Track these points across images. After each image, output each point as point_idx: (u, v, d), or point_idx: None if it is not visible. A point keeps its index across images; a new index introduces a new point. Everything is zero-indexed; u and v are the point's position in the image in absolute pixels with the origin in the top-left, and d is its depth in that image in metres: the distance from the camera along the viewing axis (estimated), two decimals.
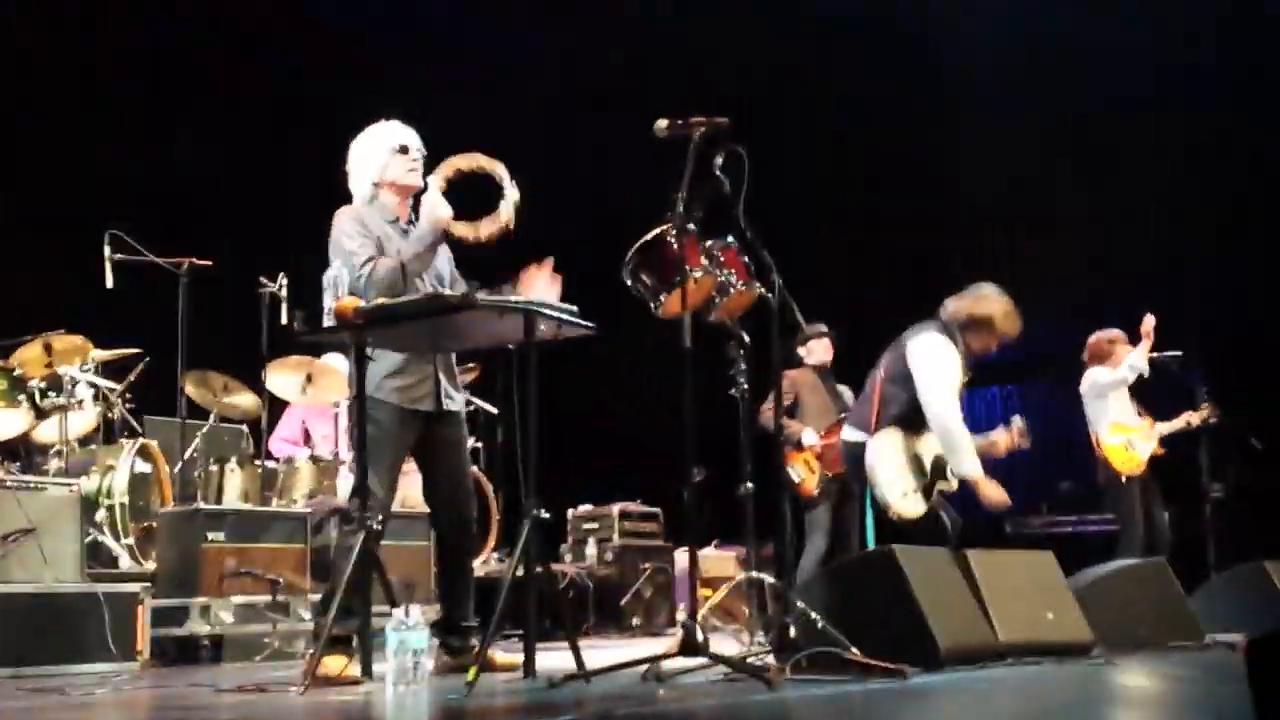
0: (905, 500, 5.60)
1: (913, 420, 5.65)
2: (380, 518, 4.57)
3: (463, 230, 4.72)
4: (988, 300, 5.94)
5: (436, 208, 4.64)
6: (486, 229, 4.72)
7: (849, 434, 5.88)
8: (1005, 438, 6.18)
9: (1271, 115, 10.96)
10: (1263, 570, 6.92)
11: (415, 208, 4.91)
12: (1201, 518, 8.52)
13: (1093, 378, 8.04)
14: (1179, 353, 8.17)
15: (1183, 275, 11.42)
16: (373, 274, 4.57)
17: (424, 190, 4.76)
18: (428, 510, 5.18)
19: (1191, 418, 8.03)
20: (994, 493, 5.63)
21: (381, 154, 4.88)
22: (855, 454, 5.75)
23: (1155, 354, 8.08)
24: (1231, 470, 8.83)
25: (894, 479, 5.60)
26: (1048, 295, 11.97)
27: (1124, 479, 7.81)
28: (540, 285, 4.65)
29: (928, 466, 5.70)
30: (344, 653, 4.43)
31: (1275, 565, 6.99)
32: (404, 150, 4.89)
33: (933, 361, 5.65)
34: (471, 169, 4.73)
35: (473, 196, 4.82)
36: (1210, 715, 3.15)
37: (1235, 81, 11.12)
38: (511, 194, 4.71)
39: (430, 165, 4.87)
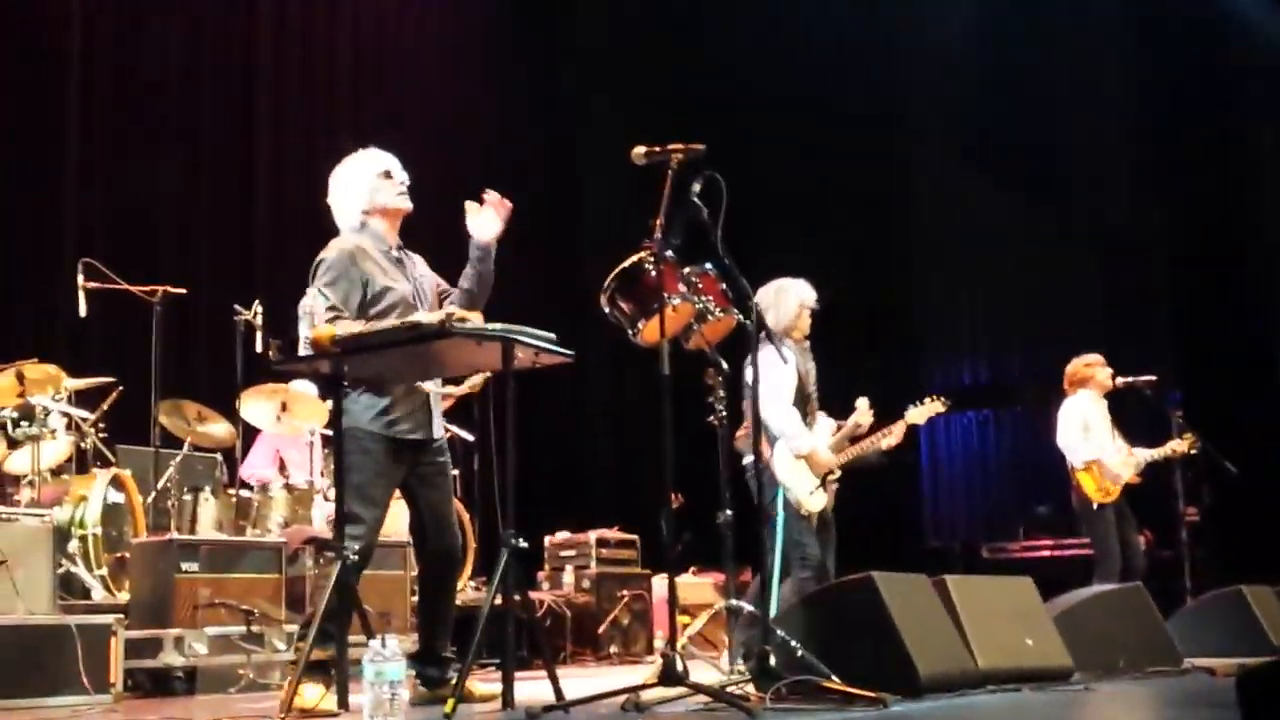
0: (812, 497, 6.19)
1: None
2: (359, 548, 4.53)
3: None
4: (783, 295, 6.25)
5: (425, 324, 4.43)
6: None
7: (747, 459, 6.21)
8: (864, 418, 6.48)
9: (1231, 139, 11.15)
10: (1241, 596, 6.94)
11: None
12: (1177, 542, 8.55)
13: (1072, 405, 8.05)
14: (1153, 378, 8.20)
15: (1153, 301, 11.54)
16: (330, 323, 4.45)
17: (410, 212, 4.84)
18: (406, 540, 5.13)
19: (1177, 446, 8.02)
20: (827, 458, 6.25)
21: (368, 181, 4.84)
22: (756, 473, 5.98)
23: (1129, 379, 8.12)
24: (1206, 495, 8.87)
25: (800, 480, 6.16)
26: (1019, 325, 12.09)
27: (1097, 505, 7.82)
28: (488, 219, 4.76)
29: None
30: (322, 681, 4.37)
31: (1253, 591, 7.02)
32: (388, 175, 4.86)
33: (764, 374, 5.82)
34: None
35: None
36: None
37: (1197, 109, 11.30)
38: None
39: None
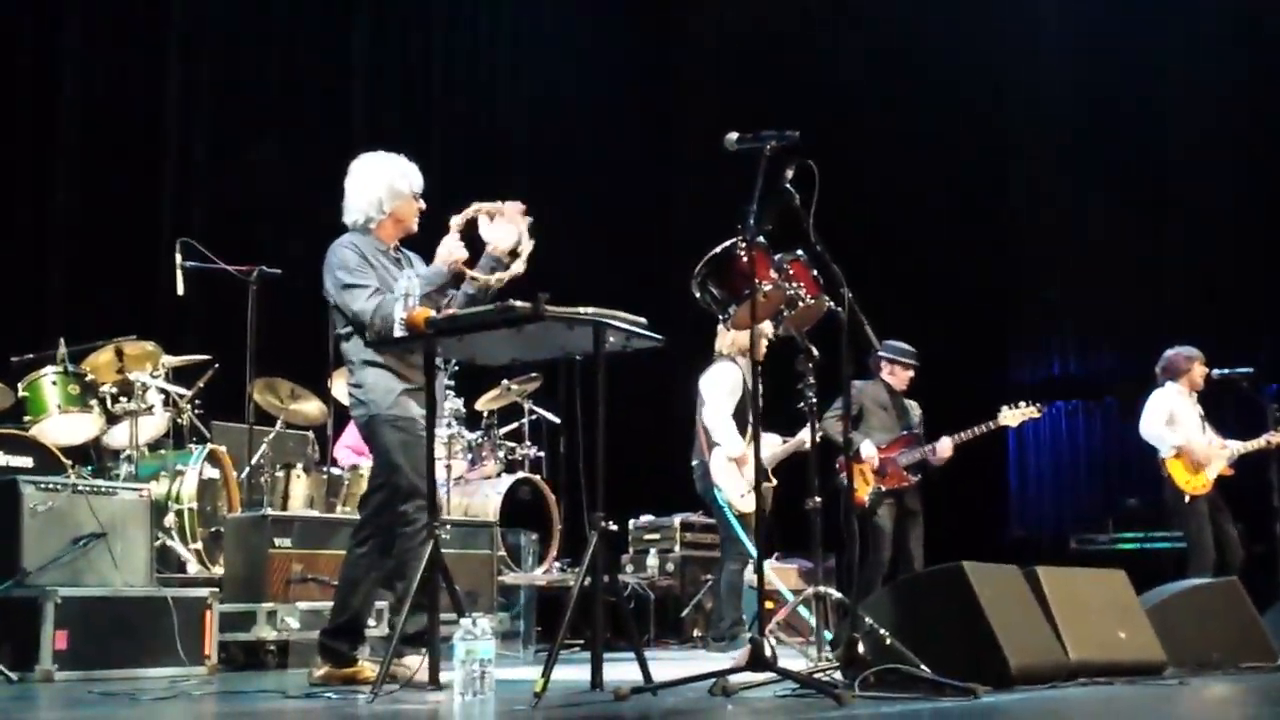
0: (744, 499, 6.84)
1: None
2: (426, 520, 4.58)
3: (475, 274, 4.70)
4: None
5: (454, 250, 4.69)
6: (499, 274, 4.67)
7: (695, 461, 7.12)
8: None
9: None
10: None
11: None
12: (1272, 536, 8.39)
13: (1159, 396, 7.93)
14: (1249, 369, 8.06)
15: (1247, 293, 11.30)
16: (379, 309, 4.61)
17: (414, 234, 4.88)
18: (494, 520, 5.17)
19: (1273, 438, 7.87)
20: (744, 462, 6.84)
21: (402, 191, 4.92)
22: (702, 474, 7.06)
23: (1225, 371, 7.98)
24: None
25: (733, 483, 6.89)
26: (1112, 316, 11.90)
27: (1189, 498, 7.70)
28: (504, 229, 4.70)
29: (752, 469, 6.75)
30: (417, 651, 4.45)
31: None
32: (418, 197, 4.96)
33: (710, 387, 7.07)
34: (493, 214, 4.73)
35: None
36: None
37: None
38: (526, 245, 4.69)
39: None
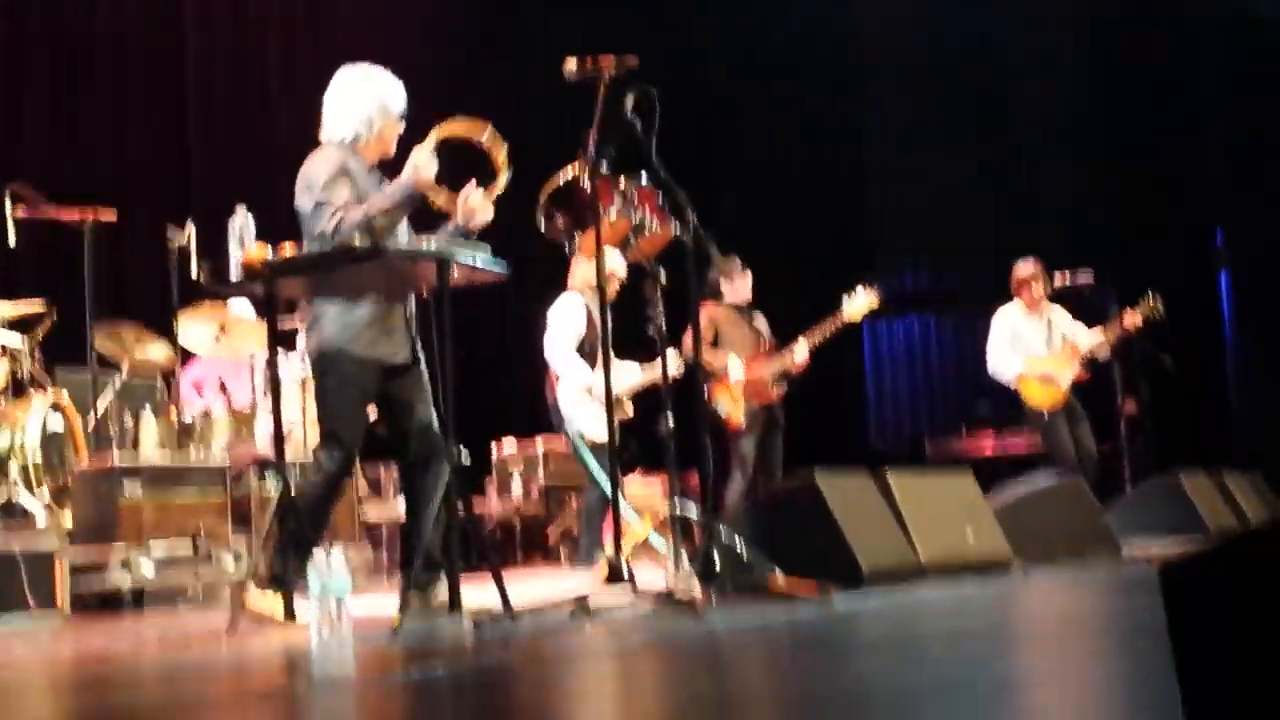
0: (598, 428, 6.61)
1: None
2: (333, 470, 4.53)
3: (442, 200, 4.50)
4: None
5: (423, 168, 4.42)
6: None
7: (550, 396, 7.01)
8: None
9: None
10: (1177, 481, 7.10)
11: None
12: (1115, 435, 8.69)
13: (999, 318, 8.11)
14: (1089, 277, 8.22)
15: (1088, 204, 11.63)
16: (340, 227, 4.35)
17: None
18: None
19: (1113, 329, 7.97)
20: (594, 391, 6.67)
21: (390, 111, 4.64)
22: (555, 407, 6.96)
23: (1066, 280, 8.17)
24: (1144, 387, 9.00)
25: (584, 412, 6.81)
26: (958, 231, 12.16)
27: (1045, 414, 7.91)
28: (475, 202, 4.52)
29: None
30: (277, 592, 4.38)
31: (1188, 475, 7.19)
32: (402, 120, 4.69)
33: (553, 320, 6.97)
34: (466, 138, 4.51)
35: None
36: (1128, 630, 3.23)
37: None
38: (504, 175, 4.48)
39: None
